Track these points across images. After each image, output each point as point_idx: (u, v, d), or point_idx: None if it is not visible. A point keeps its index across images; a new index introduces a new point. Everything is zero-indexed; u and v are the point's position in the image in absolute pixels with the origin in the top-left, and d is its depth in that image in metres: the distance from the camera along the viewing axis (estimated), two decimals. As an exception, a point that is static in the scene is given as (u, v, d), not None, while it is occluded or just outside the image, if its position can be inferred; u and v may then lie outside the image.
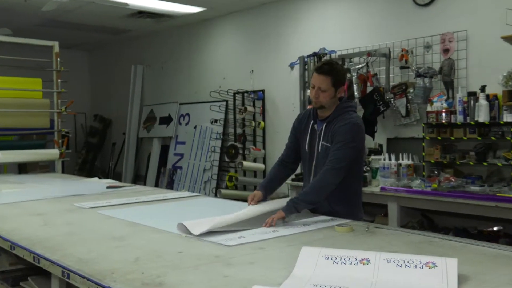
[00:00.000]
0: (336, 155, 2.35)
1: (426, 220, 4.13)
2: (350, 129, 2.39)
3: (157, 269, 1.49)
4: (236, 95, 6.30)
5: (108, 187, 3.56)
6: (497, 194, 3.34)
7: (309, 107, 4.67)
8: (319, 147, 2.49)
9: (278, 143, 5.98)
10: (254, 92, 6.08)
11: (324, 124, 2.49)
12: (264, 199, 2.55)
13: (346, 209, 2.44)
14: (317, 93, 2.46)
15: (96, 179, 4.29)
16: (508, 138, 3.68)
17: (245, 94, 6.20)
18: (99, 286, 1.37)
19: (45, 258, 1.65)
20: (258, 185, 2.64)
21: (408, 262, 1.35)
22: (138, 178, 8.03)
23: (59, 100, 5.13)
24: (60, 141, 5.12)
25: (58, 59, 5.16)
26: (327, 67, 2.45)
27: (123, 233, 2.02)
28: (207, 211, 2.64)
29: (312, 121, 2.57)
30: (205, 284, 1.36)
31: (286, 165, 2.67)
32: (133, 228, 2.14)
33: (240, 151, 6.01)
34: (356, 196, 2.53)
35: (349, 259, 1.40)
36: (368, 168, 4.23)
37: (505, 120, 3.72)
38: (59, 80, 5.13)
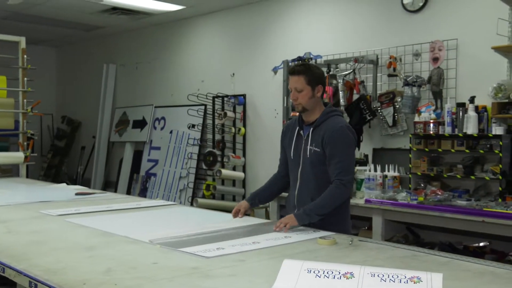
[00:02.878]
0: (341, 167, 2.45)
1: (411, 234, 4.20)
2: (343, 135, 2.50)
3: (131, 281, 1.51)
4: (216, 99, 6.32)
5: (76, 194, 3.55)
6: (484, 209, 3.43)
7: (292, 114, 4.73)
8: (307, 152, 2.58)
9: (259, 151, 6.02)
10: (235, 96, 6.12)
11: (311, 129, 2.58)
12: (252, 207, 2.72)
13: (335, 224, 2.48)
14: (295, 95, 2.58)
15: (63, 185, 4.26)
16: (497, 152, 3.79)
17: (225, 99, 6.23)
18: (70, 297, 1.37)
19: (10, 268, 1.64)
20: (250, 194, 2.77)
21: (392, 276, 1.38)
22: (109, 185, 7.96)
23: (24, 100, 5.08)
24: (25, 143, 5.07)
25: (25, 56, 5.11)
26: (300, 67, 2.59)
27: (94, 243, 2.02)
28: (183, 221, 2.66)
29: (298, 127, 2.65)
30: (182, 297, 1.38)
31: (281, 178, 2.78)
32: (104, 237, 2.15)
33: (219, 159, 6.03)
34: (344, 209, 2.58)
35: (332, 272, 1.43)
36: (352, 180, 4.29)
37: (493, 132, 3.83)
38: (25, 79, 5.08)
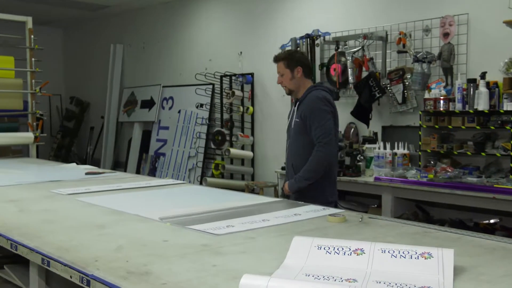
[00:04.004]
0: (319, 132, 2.86)
1: (421, 212, 4.20)
2: (318, 104, 2.88)
3: (142, 258, 1.51)
4: (223, 78, 6.29)
5: (87, 173, 3.56)
6: (495, 186, 3.41)
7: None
8: (292, 124, 3.01)
9: (267, 130, 6.02)
10: (243, 75, 6.08)
11: (298, 104, 3.00)
12: None
13: (312, 192, 2.87)
14: (279, 79, 3.03)
15: (73, 165, 4.28)
16: (508, 128, 3.75)
17: (233, 78, 6.20)
18: (82, 274, 1.38)
19: (23, 245, 1.66)
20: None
21: (403, 252, 1.38)
22: (118, 165, 8.01)
23: (33, 80, 5.07)
24: (34, 124, 5.08)
25: (32, 36, 5.09)
26: (279, 54, 3.04)
27: (104, 221, 2.03)
28: (193, 200, 2.67)
29: (293, 106, 3.09)
30: (193, 274, 1.38)
31: None
32: (115, 216, 2.15)
33: (227, 138, 6.03)
34: (325, 178, 2.84)
35: (342, 249, 1.43)
36: (361, 157, 4.29)
37: (505, 108, 3.78)
38: (32, 59, 5.07)
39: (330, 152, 2.90)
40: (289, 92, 3.04)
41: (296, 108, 3.00)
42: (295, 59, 2.99)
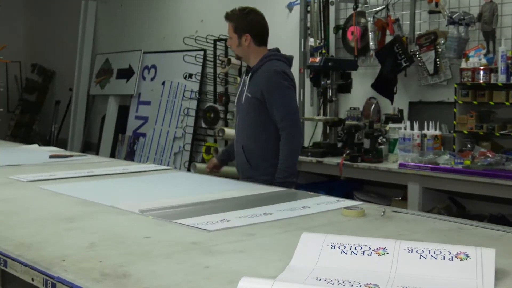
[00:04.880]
0: (282, 113, 2.97)
1: (455, 206, 4.22)
2: (277, 78, 2.99)
3: (119, 258, 1.51)
4: (218, 43, 6.27)
5: (51, 157, 3.57)
6: (545, 175, 3.41)
7: (311, 61, 4.71)
8: (242, 99, 3.10)
9: (269, 106, 6.00)
10: (241, 39, 6.05)
11: (249, 75, 3.08)
12: (223, 165, 3.41)
13: (267, 175, 3.01)
14: (228, 41, 3.18)
15: (35, 146, 4.29)
16: (561, 105, 3.74)
17: (229, 42, 6.18)
18: (46, 276, 1.38)
19: (-25, 242, 1.66)
20: (221, 150, 3.39)
21: (434, 252, 1.38)
22: (89, 147, 8.02)
23: (-14, 44, 5.06)
24: (-12, 97, 5.07)
25: (-14, -10, 5.07)
26: (229, 13, 3.12)
27: (74, 213, 2.03)
28: (179, 189, 2.68)
29: (244, 75, 3.18)
30: (181, 277, 1.38)
31: None
32: (86, 207, 2.16)
33: (221, 116, 6.02)
34: (273, 153, 3.04)
35: (361, 248, 1.43)
36: (383, 139, 4.29)
37: (558, 81, 3.77)
38: (-14, 18, 5.05)
39: (300, 134, 3.08)
40: (238, 58, 3.28)
41: (248, 79, 3.09)
42: (245, 23, 3.08)
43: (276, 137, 3.05)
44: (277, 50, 3.16)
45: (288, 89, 3.02)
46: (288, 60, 3.17)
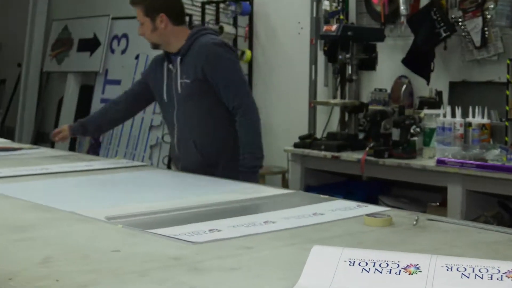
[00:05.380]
0: (234, 90, 3.18)
1: (506, 213, 4.22)
2: (214, 52, 3.18)
3: (81, 276, 1.52)
4: (207, 6, 6.28)
5: (-6, 150, 3.58)
6: None
7: (325, 29, 4.71)
8: (178, 88, 3.23)
9: (273, 86, 6.03)
10: (236, 2, 6.06)
11: (179, 58, 3.23)
12: (75, 135, 3.92)
13: (230, 171, 3.16)
14: (140, 30, 3.30)
15: (-28, 137, 4.29)
16: None
17: (221, 6, 6.19)
18: (-12, 300, 1.41)
19: None
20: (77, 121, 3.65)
21: (479, 270, 1.38)
22: (42, 138, 7.95)
23: None
24: None
25: None
26: None
27: (25, 221, 2.05)
28: (157, 190, 2.70)
29: (166, 62, 3.32)
30: (159, 300, 1.42)
31: (114, 107, 3.64)
32: (40, 213, 2.17)
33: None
34: (231, 142, 3.26)
35: (387, 265, 1.44)
36: (417, 129, 4.30)
37: None
38: None
39: (257, 110, 3.29)
40: (155, 46, 3.35)
41: (179, 65, 3.23)
42: (157, 2, 3.24)
43: (230, 121, 3.26)
44: (202, 27, 3.46)
45: (233, 62, 3.26)
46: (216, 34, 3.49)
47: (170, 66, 3.28)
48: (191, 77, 3.18)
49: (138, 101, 3.58)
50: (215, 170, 3.20)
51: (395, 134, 4.33)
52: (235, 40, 6.11)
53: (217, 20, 6.17)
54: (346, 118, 4.87)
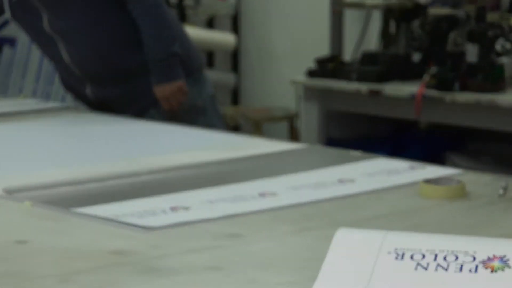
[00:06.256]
0: None
1: None
2: None
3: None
4: None
5: None
6: None
7: None
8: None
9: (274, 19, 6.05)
10: None
11: None
12: None
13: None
14: None
15: None
16: None
17: None
18: None
19: None
20: None
21: None
22: None
23: None
24: None
25: None
26: None
27: None
28: (88, 147, 2.72)
29: None
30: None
31: None
32: None
33: None
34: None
35: (456, 258, 1.44)
36: (508, 46, 4.30)
37: None
38: None
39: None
40: None
41: None
42: None
43: (128, 22, 3.75)
44: None
45: None
46: None
47: None
48: None
49: None
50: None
51: (472, 53, 4.32)
52: None
53: None
54: (392, 29, 4.86)
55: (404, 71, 4.54)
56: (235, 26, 6.15)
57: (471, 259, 1.45)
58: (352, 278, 1.45)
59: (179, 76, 3.70)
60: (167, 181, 2.23)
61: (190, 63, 3.92)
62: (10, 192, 2.08)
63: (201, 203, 2.00)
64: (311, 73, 4.76)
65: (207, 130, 3.02)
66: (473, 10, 4.44)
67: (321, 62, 4.82)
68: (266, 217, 1.92)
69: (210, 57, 6.32)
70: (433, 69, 4.29)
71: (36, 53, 6.87)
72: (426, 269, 1.44)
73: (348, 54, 5.13)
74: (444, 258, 1.45)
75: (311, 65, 4.83)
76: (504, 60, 4.32)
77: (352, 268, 1.46)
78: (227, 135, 2.95)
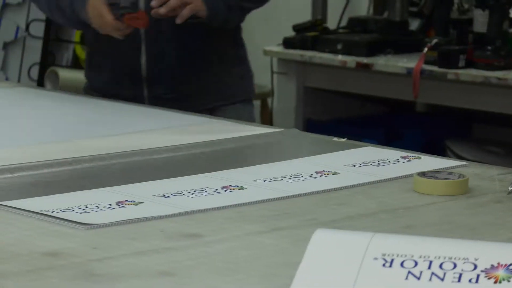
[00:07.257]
0: None
1: None
2: None
3: None
4: None
5: None
6: None
7: None
8: None
9: None
10: None
11: None
12: None
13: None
14: None
15: None
16: None
17: None
18: None
19: None
20: None
21: None
22: None
23: None
24: None
25: None
26: None
27: None
28: (21, 126, 2.74)
29: None
30: None
31: None
32: None
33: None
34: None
35: (454, 265, 1.47)
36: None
37: None
38: None
39: None
40: None
41: None
42: None
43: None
44: None
45: None
46: None
47: None
48: None
49: None
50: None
51: (480, 21, 4.34)
52: None
53: None
54: (387, -8, 4.88)
55: (399, 41, 4.55)
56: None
57: (472, 267, 1.47)
58: (333, 283, 1.48)
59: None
60: (114, 170, 2.24)
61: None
62: None
63: (152, 196, 2.02)
64: (288, 43, 4.77)
65: (167, 110, 3.02)
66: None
67: (299, 29, 4.83)
68: (231, 214, 1.94)
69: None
70: (434, 40, 4.29)
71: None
72: (418, 278, 1.46)
73: (332, 21, 5.15)
74: (440, 266, 1.47)
75: (288, 33, 4.84)
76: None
77: (332, 276, 1.48)
78: (185, 115, 2.95)
